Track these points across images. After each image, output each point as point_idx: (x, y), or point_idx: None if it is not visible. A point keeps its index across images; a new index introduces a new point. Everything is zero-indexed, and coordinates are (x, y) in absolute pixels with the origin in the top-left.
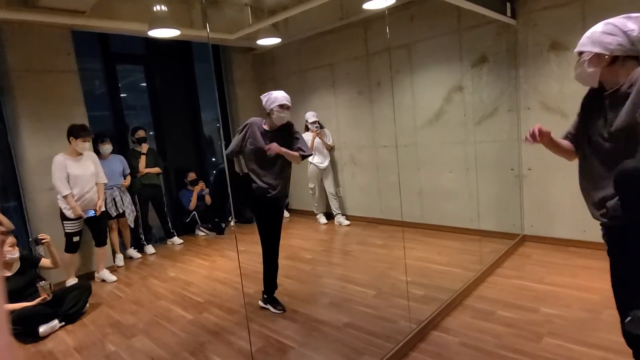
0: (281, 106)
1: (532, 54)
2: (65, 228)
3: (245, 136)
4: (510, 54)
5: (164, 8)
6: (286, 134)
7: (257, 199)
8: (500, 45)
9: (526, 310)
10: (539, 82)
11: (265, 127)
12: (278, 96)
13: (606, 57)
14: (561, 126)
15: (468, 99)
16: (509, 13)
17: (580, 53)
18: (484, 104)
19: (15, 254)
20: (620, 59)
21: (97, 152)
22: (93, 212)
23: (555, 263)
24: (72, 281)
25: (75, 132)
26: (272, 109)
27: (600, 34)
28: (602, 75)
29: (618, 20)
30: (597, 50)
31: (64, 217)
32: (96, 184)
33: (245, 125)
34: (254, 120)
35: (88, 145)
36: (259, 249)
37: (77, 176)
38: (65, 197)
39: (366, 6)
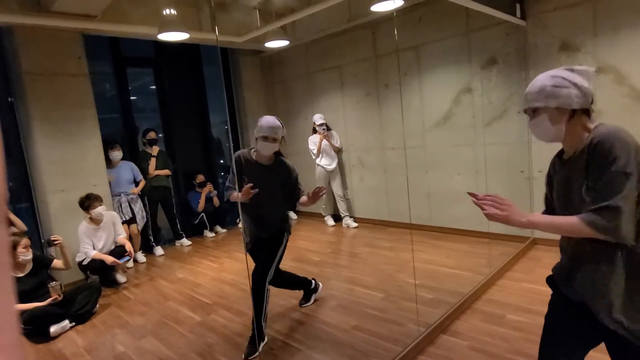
0: (265, 138)
1: (542, 55)
2: (85, 264)
3: (240, 171)
4: (520, 55)
5: (173, 12)
6: (282, 172)
7: (255, 239)
8: (509, 46)
9: (537, 314)
10: None
11: (256, 159)
12: (264, 126)
13: (567, 111)
14: None
15: (477, 101)
16: (518, 14)
17: (534, 110)
18: (493, 105)
19: (29, 255)
20: (578, 112)
21: (107, 159)
22: (128, 256)
23: None
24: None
25: (82, 205)
26: (257, 137)
27: (552, 88)
28: (565, 131)
29: (564, 73)
30: (555, 104)
31: (82, 266)
32: (118, 240)
33: (237, 161)
34: (242, 153)
35: (101, 208)
36: None
37: (100, 243)
38: (93, 255)
39: (374, 8)
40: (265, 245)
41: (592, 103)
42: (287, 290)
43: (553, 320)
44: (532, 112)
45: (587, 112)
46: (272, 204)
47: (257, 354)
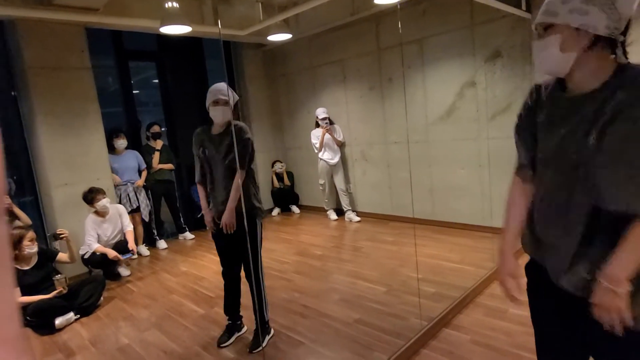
0: (215, 102)
1: None
2: (86, 257)
3: (199, 150)
4: (525, 49)
5: (175, 5)
6: (231, 139)
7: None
8: (514, 39)
9: None
10: None
11: (212, 132)
12: (212, 90)
13: (588, 36)
14: None
15: (481, 95)
16: (523, 7)
17: (547, 26)
18: (497, 99)
19: (34, 248)
20: (602, 41)
21: (111, 147)
22: (130, 253)
23: None
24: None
25: (85, 199)
26: (208, 107)
27: (580, 3)
28: (574, 63)
29: None
30: (577, 23)
31: (84, 259)
32: (125, 232)
33: (195, 137)
34: (203, 128)
35: (105, 200)
36: (268, 244)
37: (107, 235)
38: (95, 248)
39: (377, 1)
40: (238, 240)
41: (625, 34)
42: (290, 284)
43: (546, 323)
44: (544, 30)
45: (613, 44)
46: (226, 179)
47: (261, 348)
